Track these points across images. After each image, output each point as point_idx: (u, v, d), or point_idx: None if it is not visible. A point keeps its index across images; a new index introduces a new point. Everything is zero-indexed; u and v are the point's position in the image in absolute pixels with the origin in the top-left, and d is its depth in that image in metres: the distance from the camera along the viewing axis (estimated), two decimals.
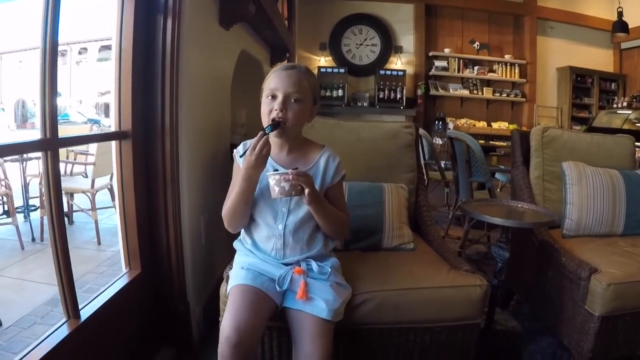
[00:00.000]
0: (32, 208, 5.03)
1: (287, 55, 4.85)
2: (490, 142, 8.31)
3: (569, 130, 3.05)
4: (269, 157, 1.68)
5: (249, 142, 1.78)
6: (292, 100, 1.67)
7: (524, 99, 8.99)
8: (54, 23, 1.59)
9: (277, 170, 1.68)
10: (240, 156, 1.67)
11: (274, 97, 1.68)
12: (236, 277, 1.69)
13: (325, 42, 8.70)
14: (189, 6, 2.19)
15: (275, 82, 1.69)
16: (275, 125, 1.64)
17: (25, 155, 4.79)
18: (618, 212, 2.56)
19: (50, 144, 1.64)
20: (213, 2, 2.59)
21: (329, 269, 1.72)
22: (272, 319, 1.66)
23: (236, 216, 1.73)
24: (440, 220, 4.80)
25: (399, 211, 2.29)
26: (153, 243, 2.25)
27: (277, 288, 1.66)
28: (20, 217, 4.72)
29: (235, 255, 1.86)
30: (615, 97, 9.12)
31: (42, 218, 4.49)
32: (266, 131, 1.61)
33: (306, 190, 1.57)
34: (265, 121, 1.70)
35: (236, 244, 1.86)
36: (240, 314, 1.53)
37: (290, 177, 1.54)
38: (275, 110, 1.66)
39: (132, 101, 2.05)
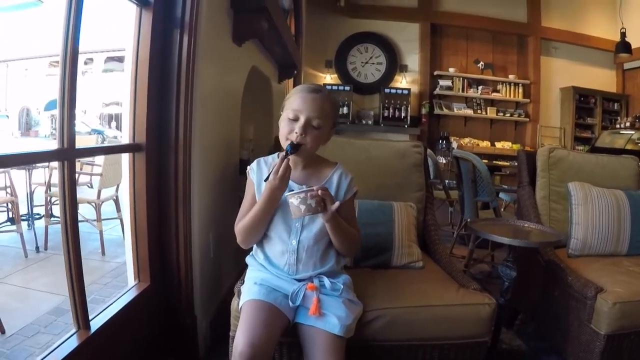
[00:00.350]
0: (37, 216, 5.02)
1: (295, 72, 4.88)
2: (494, 161, 8.32)
3: (574, 151, 3.06)
4: None
5: (263, 160, 1.82)
6: (313, 125, 1.69)
7: (528, 119, 9.00)
8: (75, 32, 1.62)
9: (291, 188, 1.69)
10: (265, 180, 1.66)
11: (295, 119, 1.69)
12: (249, 292, 1.70)
13: (331, 59, 8.73)
14: (205, 22, 2.21)
15: (298, 104, 1.70)
16: (295, 147, 1.66)
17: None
18: (623, 232, 2.58)
19: (67, 154, 1.67)
20: (227, 18, 2.62)
21: (342, 286, 1.73)
22: (283, 335, 1.67)
23: (253, 233, 1.76)
24: (444, 239, 4.77)
25: (409, 230, 2.30)
26: (163, 256, 2.26)
27: (290, 304, 1.67)
28: (24, 225, 4.71)
29: (247, 270, 1.87)
30: (618, 117, 9.14)
31: (46, 227, 4.49)
32: (288, 152, 1.62)
33: (332, 206, 1.60)
34: (283, 142, 1.73)
35: (249, 259, 1.87)
36: (254, 329, 1.54)
37: (320, 192, 1.56)
38: (296, 133, 1.67)
39: (147, 114, 2.07)
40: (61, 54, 1.60)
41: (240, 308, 1.70)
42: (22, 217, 4.68)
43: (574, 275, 2.30)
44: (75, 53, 1.62)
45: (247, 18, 2.68)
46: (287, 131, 1.70)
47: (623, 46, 8.06)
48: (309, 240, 1.74)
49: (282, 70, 4.60)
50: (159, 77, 2.13)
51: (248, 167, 1.83)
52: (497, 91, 9.00)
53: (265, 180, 1.66)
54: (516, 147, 8.71)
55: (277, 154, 1.84)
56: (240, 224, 1.76)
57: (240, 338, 1.52)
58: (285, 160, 1.61)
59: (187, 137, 2.16)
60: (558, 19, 8.87)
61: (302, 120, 1.68)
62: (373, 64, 8.77)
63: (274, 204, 1.69)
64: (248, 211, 1.75)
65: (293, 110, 1.70)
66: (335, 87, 8.35)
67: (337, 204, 1.63)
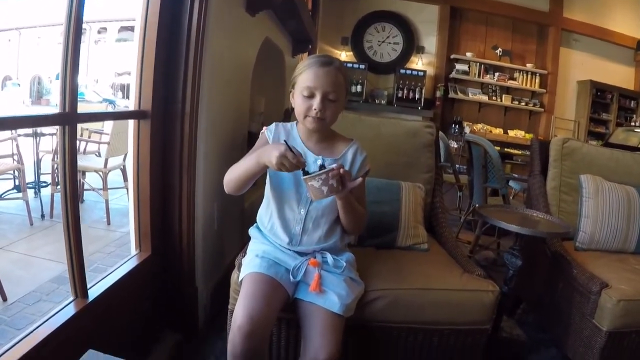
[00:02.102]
0: (43, 184, 5.04)
1: (310, 47, 4.84)
2: (506, 149, 8.26)
3: (588, 144, 3.02)
4: (302, 144, 1.73)
5: (282, 125, 1.79)
6: (330, 99, 1.64)
7: (542, 109, 8.92)
8: None
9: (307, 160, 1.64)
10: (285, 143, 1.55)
11: (311, 95, 1.64)
12: (250, 265, 1.68)
13: (348, 36, 8.64)
14: None
15: (313, 80, 1.64)
16: (320, 168, 1.54)
17: (39, 131, 4.78)
18: (632, 230, 2.55)
19: (69, 119, 1.63)
20: None
21: (344, 263, 1.71)
22: (282, 310, 1.65)
23: (234, 183, 1.70)
24: (451, 223, 4.75)
25: (415, 210, 2.28)
26: (165, 226, 2.23)
27: (291, 278, 1.65)
28: (30, 192, 4.72)
29: (250, 243, 1.85)
30: (634, 115, 9.05)
31: (52, 195, 4.50)
32: (307, 170, 1.52)
33: (351, 184, 1.55)
34: (301, 119, 1.68)
35: (252, 231, 1.85)
36: (254, 303, 1.52)
37: (341, 171, 1.50)
38: (315, 109, 1.62)
39: (153, 81, 2.03)
40: (65, 14, 1.56)
41: (241, 281, 1.68)
42: (29, 185, 4.70)
43: (580, 268, 2.27)
44: (79, 13, 1.57)
45: None
46: (305, 108, 1.65)
47: None
48: (318, 212, 1.71)
49: (296, 44, 4.56)
50: (167, 44, 2.08)
51: (264, 128, 1.79)
52: (514, 79, 8.90)
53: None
54: (529, 136, 8.63)
55: (295, 122, 1.81)
56: (230, 170, 1.72)
57: (240, 312, 1.50)
58: (300, 162, 1.50)
59: (194, 106, 2.13)
60: (580, 11, 8.72)
61: (318, 96, 1.63)
62: (390, 43, 8.66)
63: (262, 171, 1.62)
64: None
65: (307, 88, 1.64)
66: (350, 65, 8.24)
67: (359, 180, 1.59)
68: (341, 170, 1.50)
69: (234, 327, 1.48)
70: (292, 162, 1.47)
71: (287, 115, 2.58)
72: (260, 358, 1.54)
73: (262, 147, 1.62)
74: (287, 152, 1.47)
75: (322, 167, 1.53)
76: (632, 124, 8.56)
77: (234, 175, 1.69)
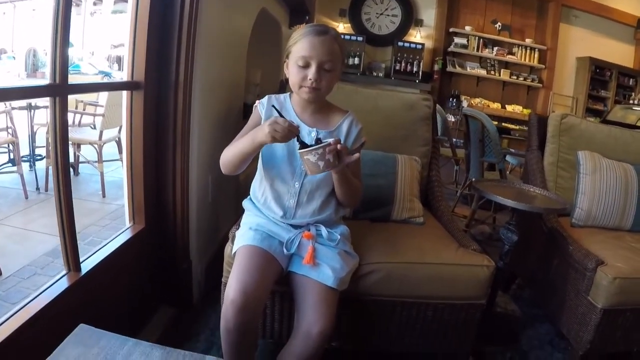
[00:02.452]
0: (38, 157, 5.00)
1: (307, 18, 4.77)
2: (503, 124, 8.25)
3: (587, 120, 3.01)
4: (295, 115, 1.70)
5: (274, 97, 1.76)
6: (326, 69, 1.61)
7: (541, 85, 8.88)
8: None
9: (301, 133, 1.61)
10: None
11: (306, 65, 1.60)
12: (243, 238, 1.67)
13: (346, 8, 8.56)
14: None
15: (308, 50, 1.59)
16: (316, 142, 1.51)
17: (33, 104, 4.74)
18: (629, 207, 2.53)
19: (59, 90, 1.59)
20: None
21: (339, 236, 1.70)
22: (276, 283, 1.64)
23: (231, 164, 1.68)
24: (447, 197, 4.75)
25: (411, 184, 2.26)
26: (159, 198, 2.22)
27: (285, 251, 1.64)
28: (25, 166, 4.70)
29: (244, 215, 1.84)
30: (633, 93, 9.03)
31: (47, 168, 4.47)
32: (298, 140, 1.50)
33: (348, 159, 1.52)
34: (296, 90, 1.65)
35: (245, 203, 1.84)
36: (247, 276, 1.51)
37: (338, 146, 1.47)
38: (310, 79, 1.59)
39: (146, 51, 1.99)
40: None
41: (234, 254, 1.67)
42: (24, 158, 4.67)
43: (576, 245, 2.27)
44: None
45: None
46: (300, 79, 1.61)
47: None
48: (312, 185, 1.69)
49: (293, 15, 4.51)
50: (160, 14, 2.04)
51: (257, 101, 1.76)
52: (513, 54, 8.85)
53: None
54: (527, 111, 8.62)
55: (288, 94, 1.78)
56: (225, 150, 1.69)
57: (233, 285, 1.49)
58: (293, 127, 1.48)
59: (188, 77, 2.09)
60: None
61: (314, 66, 1.59)
62: (388, 15, 8.58)
63: (258, 148, 1.59)
64: None
65: (303, 57, 1.60)
66: (347, 37, 8.17)
67: (356, 155, 1.56)
68: (338, 146, 1.47)
69: (227, 301, 1.47)
70: (284, 126, 1.45)
71: (282, 86, 2.55)
72: (253, 331, 1.54)
73: (254, 129, 1.59)
74: (275, 120, 1.46)
75: (317, 140, 1.51)
76: (631, 102, 8.54)
77: (230, 156, 1.67)
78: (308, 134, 1.66)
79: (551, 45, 8.75)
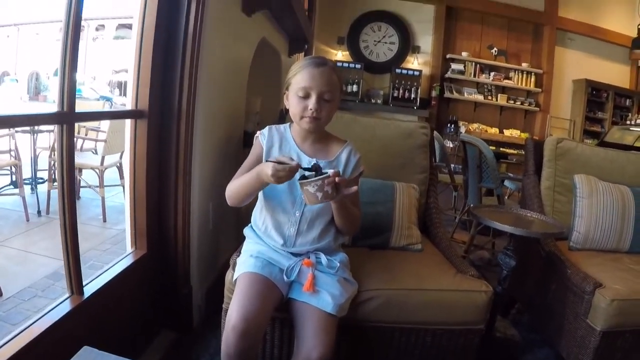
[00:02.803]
0: (40, 180, 5.03)
1: (306, 46, 4.84)
2: (501, 149, 8.29)
3: (583, 143, 3.03)
4: (295, 145, 1.74)
5: (275, 128, 1.79)
6: (325, 99, 1.66)
7: (538, 109, 8.94)
8: None
9: (315, 163, 1.62)
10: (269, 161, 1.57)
11: (306, 96, 1.65)
12: (245, 265, 1.69)
13: (344, 36, 8.66)
14: None
15: (308, 81, 1.65)
16: (316, 169, 1.54)
17: (36, 127, 4.78)
18: (626, 229, 2.55)
19: (67, 118, 1.63)
20: None
21: (338, 264, 1.72)
22: (276, 310, 1.66)
23: (237, 199, 1.72)
24: (446, 223, 4.76)
25: (409, 211, 2.29)
26: (161, 224, 2.24)
27: (285, 278, 1.66)
28: (27, 189, 4.72)
29: (245, 243, 1.86)
30: (629, 114, 9.06)
31: (49, 191, 4.50)
32: (304, 171, 1.53)
33: (346, 191, 1.54)
34: (297, 120, 1.69)
35: (246, 231, 1.86)
36: (248, 303, 1.53)
37: (337, 179, 1.48)
38: (311, 109, 1.63)
39: (150, 81, 2.04)
40: (64, 15, 1.57)
41: (235, 281, 1.69)
42: (26, 181, 4.70)
43: (574, 268, 2.28)
44: (78, 13, 1.58)
45: None
46: (301, 109, 1.66)
47: (639, 42, 7.94)
48: (312, 213, 1.72)
49: (292, 44, 4.56)
50: (164, 45, 2.09)
51: (258, 132, 1.80)
52: (509, 78, 8.94)
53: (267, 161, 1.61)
54: (525, 135, 8.65)
55: (288, 124, 1.82)
56: (231, 184, 1.73)
57: (234, 311, 1.51)
58: (295, 167, 1.52)
59: (191, 106, 2.14)
60: (575, 10, 8.75)
61: (314, 97, 1.64)
62: (385, 43, 8.69)
63: (262, 187, 1.65)
64: (246, 172, 1.70)
65: (303, 88, 1.65)
66: (346, 65, 8.28)
67: (354, 188, 1.58)
68: (337, 179, 1.49)
69: (228, 327, 1.49)
70: (286, 170, 1.48)
71: (282, 116, 2.59)
72: (253, 357, 1.55)
73: (258, 166, 1.62)
74: (275, 168, 1.48)
75: (316, 167, 1.53)
76: (628, 122, 8.56)
77: (235, 190, 1.71)
78: (308, 163, 1.68)
79: (547, 69, 8.83)
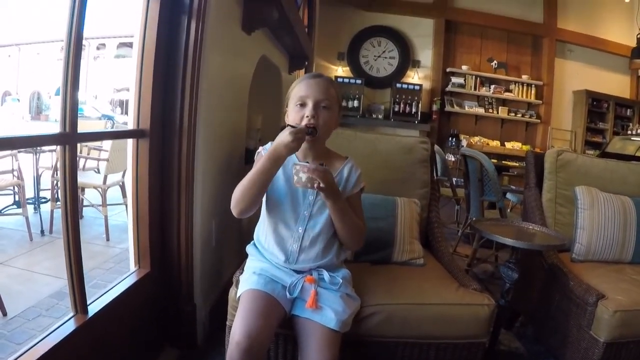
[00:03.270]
0: (43, 200, 5.05)
1: (306, 63, 4.87)
2: (503, 161, 8.27)
3: (583, 154, 3.04)
4: (295, 159, 1.74)
5: None
6: (322, 107, 1.68)
7: (539, 120, 8.97)
8: (80, 15, 1.59)
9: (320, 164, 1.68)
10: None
11: (303, 104, 1.69)
12: (248, 282, 1.69)
13: (344, 52, 8.73)
14: (214, 9, 2.20)
15: (304, 90, 1.69)
16: (312, 131, 1.65)
17: (38, 147, 4.80)
18: (628, 240, 2.55)
19: (69, 138, 1.66)
20: (237, 6, 2.61)
21: (340, 280, 1.72)
22: (279, 326, 1.66)
23: (245, 198, 1.65)
24: (449, 237, 4.77)
25: (411, 226, 2.29)
26: (164, 243, 2.26)
27: (288, 295, 1.66)
28: (30, 208, 4.73)
29: (247, 260, 1.87)
30: (630, 124, 9.08)
31: (52, 211, 4.51)
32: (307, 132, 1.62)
33: (317, 184, 1.54)
34: None
35: (249, 249, 1.87)
36: (251, 320, 1.53)
37: (306, 169, 1.54)
38: (307, 117, 1.66)
39: (151, 100, 2.07)
40: (66, 36, 1.59)
41: (239, 298, 1.69)
42: (29, 201, 4.71)
43: (576, 280, 2.28)
44: (79, 35, 1.60)
45: (257, 6, 2.67)
46: (298, 117, 1.68)
47: (639, 52, 7.99)
48: (315, 229, 1.72)
49: (292, 61, 4.60)
50: (165, 64, 2.12)
51: (260, 148, 1.81)
52: (510, 91, 8.97)
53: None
54: (526, 148, 8.67)
55: None
56: (236, 190, 1.68)
57: (238, 328, 1.51)
58: (304, 129, 1.62)
59: (192, 125, 2.15)
60: (574, 22, 8.80)
61: (310, 103, 1.67)
62: (386, 58, 8.75)
63: (274, 166, 1.62)
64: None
65: (300, 97, 1.69)
66: (346, 80, 8.34)
67: (327, 184, 1.57)
68: (307, 169, 1.53)
69: (232, 344, 1.49)
70: (302, 131, 1.58)
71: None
72: None
73: (270, 148, 1.63)
74: (293, 131, 1.56)
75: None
76: (629, 132, 8.58)
77: (243, 189, 1.65)
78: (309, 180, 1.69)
79: (547, 81, 8.87)
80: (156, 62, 2.06)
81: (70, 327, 1.66)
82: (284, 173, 1.72)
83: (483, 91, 8.89)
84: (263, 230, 1.82)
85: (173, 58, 2.12)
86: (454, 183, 5.15)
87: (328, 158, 1.81)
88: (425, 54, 8.80)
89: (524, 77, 8.91)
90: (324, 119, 1.69)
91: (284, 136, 1.56)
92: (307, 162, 1.62)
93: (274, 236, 1.76)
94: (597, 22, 8.90)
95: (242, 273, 1.83)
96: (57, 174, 4.67)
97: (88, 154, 5.69)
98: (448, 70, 8.81)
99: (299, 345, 1.65)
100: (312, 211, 1.72)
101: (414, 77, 8.75)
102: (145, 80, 2.07)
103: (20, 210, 4.39)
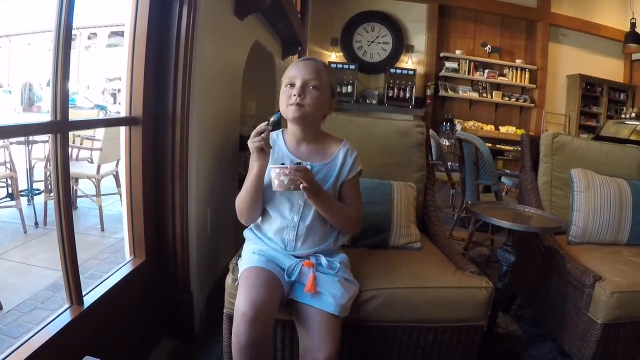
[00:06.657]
0: (36, 192, 5.02)
1: (299, 48, 4.85)
2: (497, 145, 8.29)
3: (579, 138, 3.05)
4: (287, 151, 1.74)
5: (274, 134, 1.80)
6: (310, 87, 1.67)
7: (533, 105, 8.96)
8: (70, 3, 1.57)
9: (298, 163, 1.69)
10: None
11: (292, 85, 1.68)
12: (248, 261, 1.69)
13: (337, 37, 8.68)
14: None
15: (293, 71, 1.69)
16: (270, 122, 1.66)
17: (31, 138, 4.76)
18: (624, 222, 2.56)
19: (61, 127, 1.63)
20: None
21: (338, 264, 1.72)
22: (280, 305, 1.65)
23: (246, 207, 1.72)
24: (445, 221, 4.74)
25: (407, 210, 2.28)
26: (159, 231, 2.24)
27: (286, 278, 1.66)
28: (24, 200, 4.71)
29: (245, 244, 1.86)
30: (624, 108, 9.07)
31: (45, 202, 4.48)
32: (269, 121, 1.62)
33: (301, 185, 1.54)
34: (284, 113, 1.71)
35: (246, 233, 1.86)
36: (255, 290, 1.53)
37: (287, 171, 1.53)
38: (294, 95, 1.65)
39: (143, 87, 2.04)
40: (55, 24, 1.56)
41: (239, 276, 1.69)
42: (22, 193, 4.67)
43: (573, 262, 2.29)
44: (69, 22, 1.58)
45: None
46: (286, 97, 1.68)
47: (632, 36, 8.01)
48: (310, 217, 1.71)
49: (286, 47, 4.58)
50: (157, 50, 2.09)
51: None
52: (504, 75, 8.94)
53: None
54: (520, 132, 8.67)
55: (281, 130, 1.83)
56: (237, 197, 1.74)
57: (241, 300, 1.51)
58: (262, 126, 1.61)
59: (185, 111, 2.13)
60: (568, 6, 8.76)
61: (298, 83, 1.66)
62: (379, 43, 8.70)
63: (256, 177, 1.65)
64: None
65: (289, 78, 1.69)
66: (340, 66, 8.31)
67: (309, 184, 1.57)
68: (287, 171, 1.53)
69: (237, 316, 1.48)
70: (256, 137, 1.60)
71: (277, 120, 2.60)
72: (265, 351, 1.54)
73: None
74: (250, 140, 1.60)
75: (297, 164, 1.62)
76: (623, 116, 8.59)
77: (242, 198, 1.72)
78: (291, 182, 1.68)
79: (541, 65, 8.85)
80: (148, 48, 2.03)
81: (66, 318, 1.65)
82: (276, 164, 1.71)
83: (477, 76, 8.86)
84: (260, 219, 1.81)
85: (165, 44, 2.09)
86: (449, 167, 5.15)
87: (323, 142, 1.80)
88: (419, 39, 8.76)
89: (518, 62, 8.89)
90: (312, 97, 1.67)
91: (249, 143, 1.61)
92: (283, 164, 1.64)
93: (270, 227, 1.76)
94: (591, 7, 8.86)
95: (238, 259, 1.82)
96: (49, 165, 4.64)
97: (81, 144, 5.66)
98: (442, 55, 8.77)
99: (298, 331, 1.65)
100: (306, 199, 1.70)
101: (408, 62, 8.71)
102: (137, 67, 2.04)
103: (13, 203, 4.37)
